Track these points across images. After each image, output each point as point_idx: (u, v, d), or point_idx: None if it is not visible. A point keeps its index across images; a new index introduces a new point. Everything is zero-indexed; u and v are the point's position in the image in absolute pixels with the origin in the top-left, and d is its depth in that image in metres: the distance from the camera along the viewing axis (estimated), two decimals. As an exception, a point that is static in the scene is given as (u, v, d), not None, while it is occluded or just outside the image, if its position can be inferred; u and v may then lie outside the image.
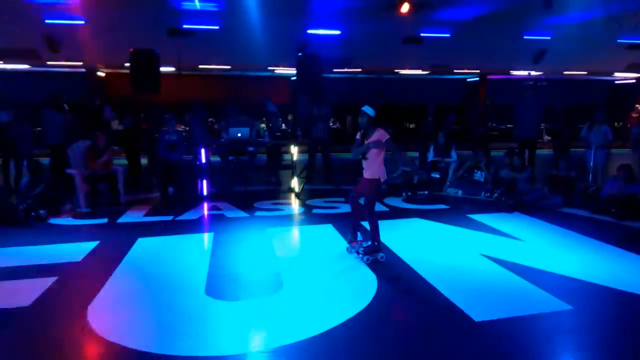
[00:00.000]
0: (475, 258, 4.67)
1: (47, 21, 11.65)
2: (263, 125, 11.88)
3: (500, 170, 8.00)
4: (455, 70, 17.11)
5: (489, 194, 7.76)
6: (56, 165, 8.08)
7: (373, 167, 4.58)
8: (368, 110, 4.59)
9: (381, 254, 4.58)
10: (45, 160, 8.16)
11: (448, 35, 13.73)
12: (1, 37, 11.81)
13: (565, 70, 17.16)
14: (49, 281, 3.97)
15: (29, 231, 5.74)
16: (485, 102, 16.40)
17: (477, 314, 3.34)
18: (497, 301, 3.62)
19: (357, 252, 4.66)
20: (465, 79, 18.62)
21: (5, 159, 8.46)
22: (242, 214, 6.68)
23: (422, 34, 13.13)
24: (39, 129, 8.68)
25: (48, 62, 13.74)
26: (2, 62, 14.15)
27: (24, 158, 8.21)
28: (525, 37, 13.89)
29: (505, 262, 4.49)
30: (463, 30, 13.38)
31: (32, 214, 6.10)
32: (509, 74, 17.57)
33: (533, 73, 17.15)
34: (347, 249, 4.83)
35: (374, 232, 4.62)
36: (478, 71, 17.33)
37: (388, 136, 4.53)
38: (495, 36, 13.40)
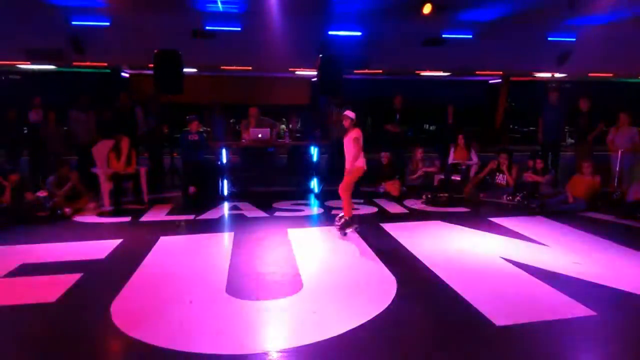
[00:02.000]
0: (496, 261, 4.61)
1: (73, 23, 11.95)
2: (283, 126, 11.96)
3: (523, 173, 7.88)
4: (477, 72, 16.90)
5: (511, 197, 7.65)
6: (82, 165, 8.28)
7: (349, 158, 5.52)
8: (350, 114, 5.55)
9: (355, 226, 5.57)
10: (72, 160, 8.38)
11: (470, 36, 13.59)
12: (28, 38, 12.14)
13: (590, 72, 16.78)
14: (74, 278, 4.07)
15: (55, 228, 5.90)
16: (509, 104, 16.17)
17: (498, 318, 3.30)
18: (518, 305, 3.57)
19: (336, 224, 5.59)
20: (487, 81, 18.38)
21: (33, 157, 8.72)
22: (262, 214, 6.74)
23: (444, 35, 13.02)
24: (65, 128, 8.88)
25: (74, 63, 14.07)
26: (29, 62, 14.54)
27: (51, 157, 8.44)
28: (549, 38, 13.65)
29: (527, 266, 4.42)
30: (485, 31, 13.21)
31: (58, 211, 6.27)
32: (532, 76, 17.27)
33: (557, 75, 16.83)
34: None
35: (345, 208, 5.53)
36: (501, 73, 17.09)
37: (359, 135, 5.47)
38: (518, 37, 13.20)
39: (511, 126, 18.89)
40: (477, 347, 3.02)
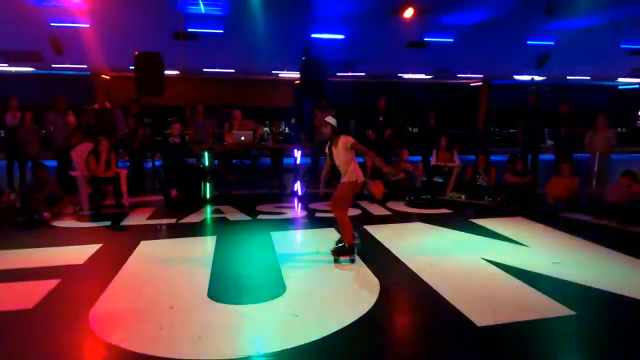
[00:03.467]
0: (477, 262, 4.66)
1: (52, 24, 11.73)
2: (266, 128, 11.92)
3: (503, 174, 7.99)
4: (458, 75, 17.13)
5: (492, 199, 7.75)
6: (61, 168, 8.12)
7: (347, 172, 4.64)
8: (331, 120, 4.69)
9: (351, 258, 4.59)
10: (51, 163, 8.21)
11: (451, 40, 13.75)
12: (6, 39, 11.89)
13: (569, 75, 17.15)
14: (52, 283, 3.99)
15: (33, 233, 5.77)
16: (489, 106, 16.42)
17: (480, 319, 3.33)
18: (499, 306, 3.60)
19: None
20: (469, 83, 18.64)
21: (10, 161, 8.53)
22: (245, 217, 6.70)
23: (425, 39, 13.16)
24: (44, 131, 8.72)
25: (53, 65, 13.83)
26: (7, 64, 14.25)
27: (28, 160, 8.27)
28: (528, 42, 13.90)
29: (508, 266, 4.48)
30: (466, 35, 13.39)
31: (36, 216, 6.14)
32: (512, 78, 17.57)
33: (536, 78, 17.16)
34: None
35: (344, 233, 4.64)
36: (481, 76, 17.35)
37: (352, 140, 4.60)
38: (498, 41, 13.42)
39: (492, 128, 19.17)
40: (459, 348, 3.04)
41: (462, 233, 5.82)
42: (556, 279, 4.20)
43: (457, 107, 18.28)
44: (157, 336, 3.08)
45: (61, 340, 3.07)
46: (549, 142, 14.35)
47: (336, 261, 4.59)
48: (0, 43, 12.23)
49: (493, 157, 9.64)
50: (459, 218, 6.69)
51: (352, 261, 4.58)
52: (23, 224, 6.03)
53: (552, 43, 13.85)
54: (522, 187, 7.66)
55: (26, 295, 3.72)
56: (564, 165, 7.54)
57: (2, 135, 9.07)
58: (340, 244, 4.67)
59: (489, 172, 8.13)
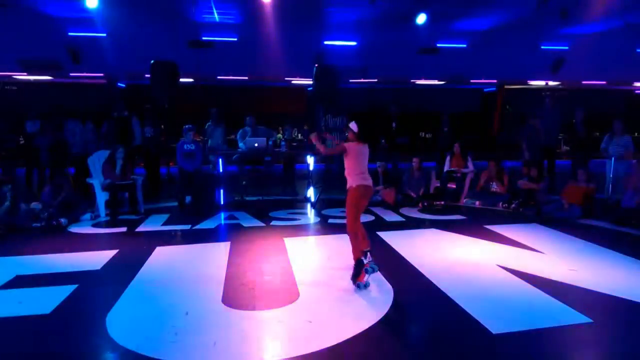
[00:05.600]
0: (492, 269, 4.62)
1: (70, 33, 12.00)
2: (280, 135, 11.99)
3: (517, 180, 7.92)
4: (472, 81, 17.04)
5: (506, 205, 7.68)
6: (78, 175, 8.26)
7: (347, 177, 4.50)
8: (353, 127, 4.50)
9: (366, 282, 4.09)
10: (69, 170, 8.37)
11: (464, 45, 13.72)
12: (26, 49, 12.17)
13: (584, 80, 16.95)
14: (69, 289, 4.05)
15: (50, 239, 5.87)
16: (504, 111, 16.30)
17: (495, 326, 3.30)
18: (514, 313, 3.57)
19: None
20: (482, 89, 18.53)
21: (29, 168, 8.71)
22: (259, 223, 6.73)
23: (438, 45, 13.15)
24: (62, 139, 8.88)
25: (70, 74, 14.10)
26: (27, 73, 14.56)
27: (46, 167, 8.43)
28: (542, 47, 13.81)
29: (523, 273, 4.43)
30: (480, 40, 13.35)
31: (54, 222, 6.24)
32: (526, 84, 17.43)
33: (551, 83, 16.99)
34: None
35: (353, 250, 4.30)
36: (495, 81, 17.24)
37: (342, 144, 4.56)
38: (512, 46, 13.35)
39: (507, 134, 18.96)
40: (474, 355, 3.02)
41: (477, 239, 5.77)
42: (573, 286, 4.14)
43: (471, 112, 18.18)
44: (172, 342, 3.11)
45: (78, 344, 3.12)
46: (565, 148, 14.16)
47: (358, 286, 4.08)
48: (19, 52, 12.51)
49: (508, 163, 9.57)
50: (473, 224, 6.63)
51: (365, 286, 4.08)
52: (41, 229, 6.14)
53: (567, 47, 13.74)
54: (537, 193, 7.58)
55: (44, 300, 3.78)
56: (580, 171, 7.45)
57: (22, 142, 9.26)
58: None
59: (503, 178, 8.06)
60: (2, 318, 3.51)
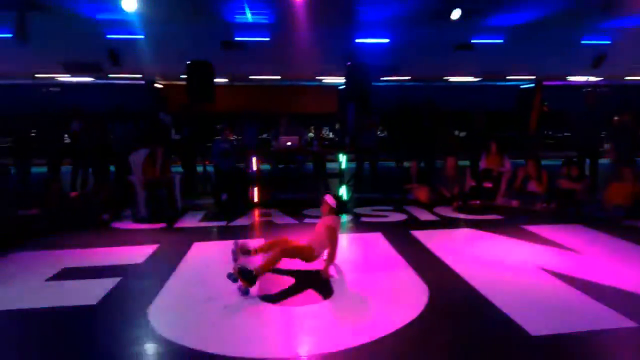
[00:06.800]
0: (531, 270, 4.52)
1: (108, 36, 12.41)
2: (311, 134, 12.06)
3: (557, 180, 7.70)
4: (508, 77, 16.65)
5: (545, 205, 7.48)
6: (119, 173, 8.56)
7: (320, 254, 4.53)
8: (330, 200, 4.87)
9: (247, 290, 3.85)
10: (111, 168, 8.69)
11: (501, 40, 13.41)
12: (67, 51, 12.68)
13: (627, 76, 16.29)
14: (113, 281, 4.22)
15: (95, 234, 6.12)
16: (542, 108, 15.85)
17: (534, 328, 3.23)
18: (554, 315, 3.49)
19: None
20: (519, 85, 18.07)
21: (74, 167, 9.08)
22: (292, 220, 6.81)
23: (473, 40, 12.91)
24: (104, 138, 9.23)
25: (110, 75, 14.60)
26: (69, 74, 15.16)
27: (90, 166, 8.78)
28: (583, 41, 13.34)
29: (563, 275, 4.32)
30: (517, 35, 13.01)
31: (97, 218, 6.49)
32: (565, 80, 16.89)
33: (592, 79, 16.40)
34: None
35: (263, 264, 4.05)
36: (533, 77, 16.78)
37: (333, 224, 4.63)
38: (551, 41, 12.95)
39: (545, 132, 18.45)
40: (512, 357, 2.97)
41: (514, 240, 5.65)
42: (616, 288, 4.01)
43: (508, 109, 17.75)
44: (211, 334, 3.20)
45: (123, 334, 3.25)
46: (607, 146, 13.64)
47: (231, 277, 3.88)
48: (62, 54, 13.04)
49: (546, 162, 9.30)
50: (510, 224, 6.49)
51: (244, 291, 3.85)
52: (85, 225, 6.40)
53: (609, 42, 13.22)
54: (578, 193, 7.35)
55: (90, 292, 3.96)
56: (625, 170, 7.15)
57: (67, 142, 9.64)
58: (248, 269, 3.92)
59: (541, 177, 7.85)
60: (52, 308, 3.69)
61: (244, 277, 3.87)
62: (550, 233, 5.92)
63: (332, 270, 4.45)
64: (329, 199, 4.85)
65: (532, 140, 16.66)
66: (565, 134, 18.35)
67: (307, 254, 4.44)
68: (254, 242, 4.75)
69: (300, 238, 4.83)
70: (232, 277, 3.89)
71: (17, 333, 3.32)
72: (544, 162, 8.21)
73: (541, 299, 3.81)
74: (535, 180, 7.79)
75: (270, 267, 4.10)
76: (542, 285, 4.13)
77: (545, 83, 17.32)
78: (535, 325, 3.27)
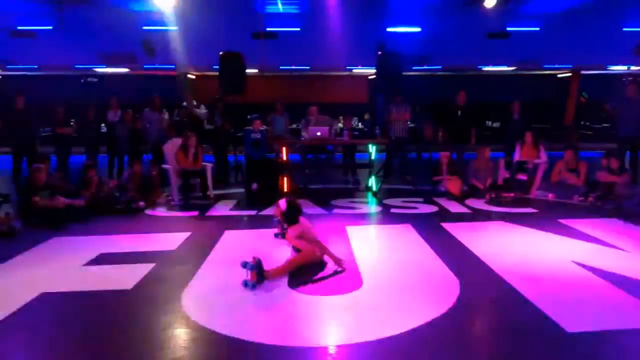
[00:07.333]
0: (567, 265, 4.39)
1: (144, 27, 12.67)
2: (340, 124, 12.01)
3: (596, 172, 7.43)
4: (545, 66, 16.13)
5: (582, 198, 7.24)
6: (154, 161, 8.79)
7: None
8: (282, 204, 4.75)
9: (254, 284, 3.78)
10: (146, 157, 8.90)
11: (538, 28, 12.98)
12: (105, 42, 13.03)
13: (673, 64, 15.53)
14: (148, 267, 4.34)
15: (130, 221, 6.30)
16: (579, 99, 15.30)
17: (570, 325, 3.15)
18: (592, 312, 3.39)
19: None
20: (556, 74, 17.49)
21: (111, 154, 9.37)
22: (321, 210, 6.82)
23: (508, 28, 12.55)
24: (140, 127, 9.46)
25: (145, 66, 14.93)
26: (105, 65, 15.59)
27: (125, 154, 9.03)
28: (624, 28, 12.76)
29: (601, 270, 4.18)
30: (554, 23, 12.58)
31: (132, 205, 6.68)
32: (605, 69, 16.24)
33: (633, 68, 15.71)
34: None
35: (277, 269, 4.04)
36: (570, 66, 16.20)
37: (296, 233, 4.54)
38: (590, 28, 12.47)
39: (583, 123, 17.81)
40: (547, 354, 2.90)
41: (550, 234, 5.50)
42: (658, 286, 3.85)
43: (543, 100, 17.21)
44: (243, 321, 3.25)
45: (158, 318, 3.34)
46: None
47: (245, 265, 3.85)
48: (100, 46, 13.40)
49: (584, 154, 8.99)
50: (546, 218, 6.32)
51: (251, 285, 3.78)
52: (121, 211, 6.59)
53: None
54: (617, 186, 7.07)
55: (126, 277, 4.07)
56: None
57: (104, 131, 9.95)
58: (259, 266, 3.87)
59: (579, 168, 7.59)
60: (89, 292, 3.82)
61: (258, 272, 3.82)
62: (587, 227, 5.73)
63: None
64: (281, 203, 4.68)
65: (569, 131, 16.13)
66: (603, 125, 17.67)
67: (313, 259, 4.37)
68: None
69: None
70: (248, 265, 3.83)
71: (56, 316, 3.44)
72: (581, 154, 7.94)
73: (577, 295, 3.70)
74: (573, 172, 7.54)
75: (282, 275, 4.04)
76: (578, 281, 4.01)
77: (583, 72, 16.71)
78: (572, 322, 3.19)
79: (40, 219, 5.80)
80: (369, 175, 8.44)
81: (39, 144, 8.89)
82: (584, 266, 4.32)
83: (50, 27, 12.35)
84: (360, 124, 16.17)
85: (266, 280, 3.87)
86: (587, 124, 19.28)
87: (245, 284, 3.80)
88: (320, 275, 4.19)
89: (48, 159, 7.01)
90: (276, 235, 4.94)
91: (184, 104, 9.10)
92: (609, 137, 9.24)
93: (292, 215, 4.77)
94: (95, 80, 17.53)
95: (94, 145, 9.53)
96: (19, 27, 12.63)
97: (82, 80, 17.57)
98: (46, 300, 3.65)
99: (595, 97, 17.46)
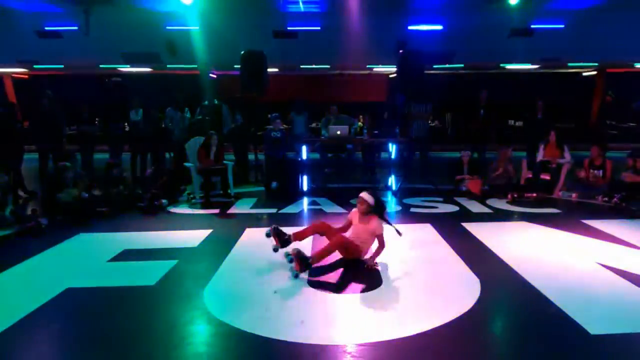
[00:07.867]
0: (591, 267, 4.32)
1: (167, 27, 12.85)
2: (360, 123, 11.99)
3: (621, 172, 7.26)
4: (569, 64, 15.77)
5: (607, 198, 7.08)
6: (177, 159, 8.92)
7: (364, 251, 4.49)
8: (367, 198, 4.47)
9: (298, 274, 3.98)
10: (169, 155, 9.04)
11: (562, 26, 12.71)
12: (128, 42, 13.24)
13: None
14: (170, 263, 4.42)
15: (153, 218, 6.42)
16: (605, 98, 14.93)
17: (594, 327, 3.10)
18: (616, 314, 3.33)
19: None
20: (580, 73, 17.09)
21: (134, 153, 9.54)
22: (340, 209, 6.83)
23: (532, 26, 12.31)
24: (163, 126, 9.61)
25: (168, 65, 15.13)
26: (129, 65, 15.85)
27: (148, 153, 9.19)
28: (652, 25, 12.40)
29: (626, 272, 4.09)
30: (579, 20, 12.30)
31: (156, 202, 6.81)
32: (632, 67, 15.80)
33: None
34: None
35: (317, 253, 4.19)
36: (596, 64, 15.81)
37: (378, 230, 4.41)
38: (616, 25, 12.13)
39: (609, 122, 17.36)
40: (571, 356, 2.86)
41: (573, 234, 5.41)
42: (685, 289, 3.76)
43: (567, 98, 16.84)
44: (263, 317, 3.29)
45: (180, 314, 3.41)
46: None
47: (289, 258, 4.09)
48: (123, 46, 13.63)
49: (609, 154, 8.79)
50: (569, 218, 6.20)
51: (295, 275, 3.99)
52: (144, 209, 6.72)
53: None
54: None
55: (149, 273, 4.16)
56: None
57: (127, 130, 10.13)
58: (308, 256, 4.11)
59: (604, 168, 7.43)
60: (114, 287, 3.92)
61: (302, 261, 3.99)
62: (612, 228, 5.62)
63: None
64: (366, 196, 4.46)
65: (600, 128, 15.77)
66: (630, 124, 17.20)
67: (352, 251, 4.38)
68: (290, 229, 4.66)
69: (335, 223, 4.81)
70: (288, 257, 4.07)
71: (82, 310, 3.54)
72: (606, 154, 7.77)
73: (600, 297, 3.64)
74: (598, 172, 7.38)
75: (325, 257, 4.19)
76: (601, 283, 3.94)
77: (609, 70, 16.29)
78: (595, 324, 3.14)
79: (65, 216, 5.96)
80: (389, 174, 8.41)
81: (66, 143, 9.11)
82: (608, 267, 4.24)
83: (76, 28, 12.61)
84: (378, 123, 16.11)
85: (312, 265, 4.04)
86: (613, 123, 18.80)
87: (295, 274, 3.98)
88: (340, 273, 4.21)
89: (74, 157, 7.19)
90: (267, 234, 4.46)
91: (206, 102, 9.21)
92: (636, 136, 9.00)
93: (382, 206, 4.60)
94: (119, 79, 17.85)
95: (118, 143, 9.72)
96: (46, 28, 12.95)
97: (106, 80, 17.91)
98: (71, 295, 3.75)
99: (622, 96, 17.01)
